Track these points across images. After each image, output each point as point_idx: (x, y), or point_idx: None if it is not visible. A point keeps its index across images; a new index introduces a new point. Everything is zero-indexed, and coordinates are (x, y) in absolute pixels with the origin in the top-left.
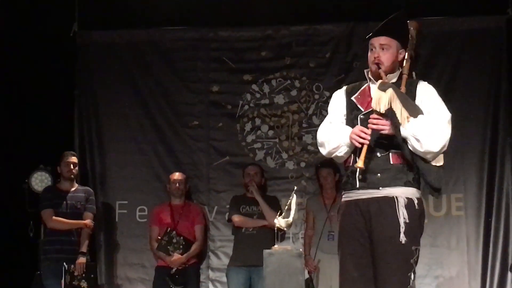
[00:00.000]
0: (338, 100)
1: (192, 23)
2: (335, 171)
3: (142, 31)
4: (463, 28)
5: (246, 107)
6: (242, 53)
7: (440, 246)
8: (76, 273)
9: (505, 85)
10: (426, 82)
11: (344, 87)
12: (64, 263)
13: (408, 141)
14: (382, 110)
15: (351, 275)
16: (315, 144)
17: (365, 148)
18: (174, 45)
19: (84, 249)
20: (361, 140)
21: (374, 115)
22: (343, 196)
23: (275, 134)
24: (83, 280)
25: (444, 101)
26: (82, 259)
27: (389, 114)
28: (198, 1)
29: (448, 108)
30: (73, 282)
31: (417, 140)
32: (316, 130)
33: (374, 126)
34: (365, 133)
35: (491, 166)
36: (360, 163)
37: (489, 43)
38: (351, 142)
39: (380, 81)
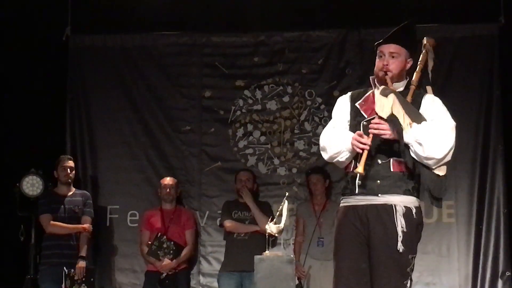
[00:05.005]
0: (342, 106)
1: (185, 28)
2: (325, 178)
3: (135, 36)
4: (456, 35)
5: (238, 112)
6: (235, 58)
7: (431, 253)
8: (76, 277)
9: (496, 93)
10: (432, 95)
11: (350, 93)
12: (64, 268)
13: (411, 147)
14: (384, 116)
15: (347, 281)
16: (307, 150)
17: (365, 153)
18: (167, 50)
19: (83, 253)
20: (361, 146)
21: (375, 120)
22: (342, 201)
23: (267, 140)
24: (83, 284)
25: None
26: (82, 263)
27: (391, 119)
28: (191, 7)
29: None
30: (73, 287)
31: (420, 144)
32: (308, 136)
33: (375, 131)
34: (364, 138)
35: (483, 174)
36: (360, 169)
37: (481, 51)
38: (352, 147)
39: (382, 86)
